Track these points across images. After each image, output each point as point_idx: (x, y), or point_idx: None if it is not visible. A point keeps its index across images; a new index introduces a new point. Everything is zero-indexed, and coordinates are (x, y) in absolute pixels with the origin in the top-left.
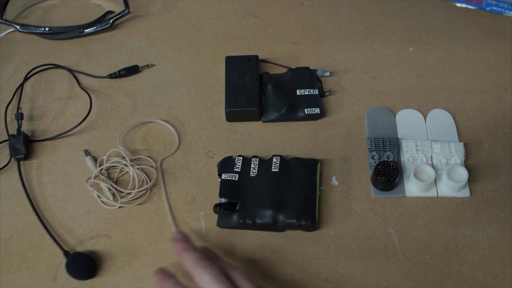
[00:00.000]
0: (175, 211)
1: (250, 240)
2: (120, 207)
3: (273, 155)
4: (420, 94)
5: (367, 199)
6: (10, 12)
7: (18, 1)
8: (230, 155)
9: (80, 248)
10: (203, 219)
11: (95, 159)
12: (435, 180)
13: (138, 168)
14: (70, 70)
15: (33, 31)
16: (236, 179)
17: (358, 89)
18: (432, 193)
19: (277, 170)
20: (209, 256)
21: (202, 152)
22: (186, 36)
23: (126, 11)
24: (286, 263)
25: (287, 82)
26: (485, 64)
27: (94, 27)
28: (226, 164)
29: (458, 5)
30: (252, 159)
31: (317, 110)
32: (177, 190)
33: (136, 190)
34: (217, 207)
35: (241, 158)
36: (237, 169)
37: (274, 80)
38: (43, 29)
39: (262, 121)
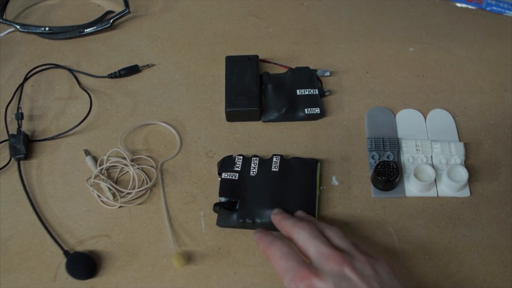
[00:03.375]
0: (175, 211)
1: (250, 240)
2: (120, 207)
3: (273, 155)
4: (420, 94)
5: (367, 199)
6: (10, 12)
7: (18, 1)
8: (231, 154)
9: (80, 248)
10: (203, 219)
11: (95, 159)
12: (435, 180)
13: (138, 168)
14: (70, 70)
15: (33, 31)
16: (236, 178)
17: (358, 89)
18: (432, 193)
19: (277, 169)
20: (306, 219)
21: (202, 152)
22: (186, 36)
23: (126, 11)
24: None
25: (287, 82)
26: (485, 64)
27: (94, 27)
28: (226, 164)
29: (458, 5)
30: (252, 158)
31: (317, 110)
32: (177, 190)
33: (136, 190)
34: (217, 206)
35: (241, 157)
36: (237, 169)
37: (274, 80)
38: (43, 29)
39: (262, 121)
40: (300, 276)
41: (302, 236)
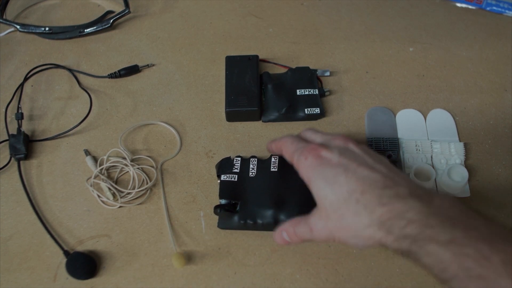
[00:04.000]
0: (175, 211)
1: (250, 240)
2: (120, 207)
3: (272, 155)
4: (420, 94)
5: None
6: (10, 12)
7: (18, 1)
8: (229, 156)
9: (80, 248)
10: (203, 219)
11: (95, 159)
12: (435, 180)
13: (138, 168)
14: (70, 70)
15: (33, 31)
16: (236, 179)
17: (358, 89)
18: None
19: (276, 169)
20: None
21: (202, 152)
22: (186, 36)
23: (126, 11)
24: (286, 263)
25: (287, 82)
26: (485, 64)
27: (94, 27)
28: (224, 165)
29: (458, 5)
30: (251, 159)
31: (317, 110)
32: (177, 190)
33: (136, 190)
34: (218, 209)
35: (239, 158)
36: (236, 170)
37: (274, 80)
38: (43, 29)
39: (262, 121)
40: (308, 149)
41: (309, 132)
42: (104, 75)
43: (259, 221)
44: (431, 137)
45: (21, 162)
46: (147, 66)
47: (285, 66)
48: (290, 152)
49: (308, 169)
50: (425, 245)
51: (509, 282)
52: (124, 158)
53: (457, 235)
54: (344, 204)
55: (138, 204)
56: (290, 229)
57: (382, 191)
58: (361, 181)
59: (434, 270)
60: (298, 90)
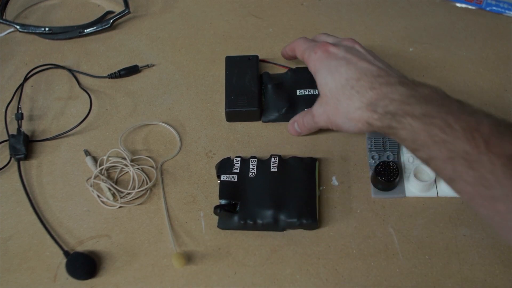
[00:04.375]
0: (175, 211)
1: (250, 240)
2: (120, 207)
3: (271, 155)
4: None
5: (367, 199)
6: (10, 12)
7: (18, 1)
8: (228, 156)
9: (80, 248)
10: (203, 219)
11: (95, 159)
12: (435, 180)
13: (138, 168)
14: (70, 70)
15: (33, 31)
16: (235, 180)
17: None
18: (432, 193)
19: (276, 169)
20: None
21: (202, 152)
22: (186, 36)
23: (126, 11)
24: (286, 263)
25: (287, 82)
26: (485, 64)
27: (94, 27)
28: (224, 166)
29: (458, 5)
30: (251, 159)
31: None
32: (177, 190)
33: (136, 190)
34: (217, 209)
35: (239, 159)
36: (236, 170)
37: (274, 80)
38: (43, 29)
39: (262, 121)
40: (318, 45)
41: (323, 35)
42: (104, 75)
43: (259, 221)
44: None
45: (21, 162)
46: (147, 66)
47: (285, 66)
48: (302, 50)
49: (316, 62)
50: (402, 119)
51: (466, 143)
52: (124, 158)
53: (429, 110)
54: (341, 89)
55: (138, 204)
56: (300, 120)
57: (375, 79)
58: (359, 71)
59: (407, 141)
60: (298, 90)
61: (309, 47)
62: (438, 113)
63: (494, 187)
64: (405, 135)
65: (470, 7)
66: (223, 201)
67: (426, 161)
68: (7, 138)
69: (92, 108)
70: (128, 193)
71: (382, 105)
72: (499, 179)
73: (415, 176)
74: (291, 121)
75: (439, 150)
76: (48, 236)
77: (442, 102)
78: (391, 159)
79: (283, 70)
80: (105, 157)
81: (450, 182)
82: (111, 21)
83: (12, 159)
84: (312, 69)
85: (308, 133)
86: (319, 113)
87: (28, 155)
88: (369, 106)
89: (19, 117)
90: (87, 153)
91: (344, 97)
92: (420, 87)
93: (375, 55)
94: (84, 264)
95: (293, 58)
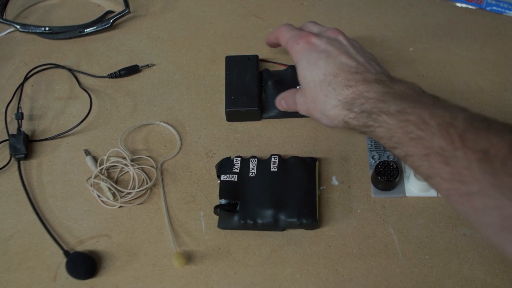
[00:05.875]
0: (175, 211)
1: (250, 240)
2: (120, 207)
3: (272, 155)
4: None
5: (367, 199)
6: (10, 12)
7: (18, 1)
8: (229, 156)
9: (80, 248)
10: (203, 219)
11: (95, 159)
12: None
13: (138, 168)
14: (70, 70)
15: (33, 31)
16: (236, 180)
17: None
18: (432, 193)
19: (276, 169)
20: None
21: (202, 152)
22: (186, 36)
23: (126, 11)
24: (286, 263)
25: (288, 79)
26: (485, 64)
27: (94, 27)
28: (224, 165)
29: (458, 5)
30: (251, 159)
31: None
32: (177, 190)
33: (136, 190)
34: (217, 209)
35: (239, 158)
36: (236, 170)
37: (275, 77)
38: (43, 29)
39: (263, 118)
40: (301, 36)
41: (310, 24)
42: (104, 75)
43: (259, 221)
44: None
45: (21, 162)
46: (147, 66)
47: (285, 65)
48: (286, 39)
49: (298, 53)
50: (378, 117)
51: (442, 140)
52: (124, 158)
53: (404, 106)
54: (319, 85)
55: (138, 204)
56: (286, 99)
57: (352, 75)
58: (337, 66)
59: (384, 139)
60: (298, 87)
61: (293, 36)
62: (413, 109)
63: (470, 183)
64: (381, 133)
65: (470, 7)
66: (223, 201)
67: (404, 159)
68: (7, 137)
69: (92, 108)
70: (128, 193)
71: (358, 103)
72: (474, 174)
73: (415, 176)
74: (279, 97)
75: (415, 147)
76: (48, 236)
77: (417, 98)
78: (391, 159)
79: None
80: (105, 157)
81: (427, 179)
82: (111, 21)
83: (12, 159)
84: (294, 59)
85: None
86: (300, 102)
87: (28, 155)
88: (345, 104)
89: (19, 116)
90: (87, 152)
91: (321, 94)
92: (396, 84)
93: (358, 47)
94: (84, 264)
95: (277, 46)
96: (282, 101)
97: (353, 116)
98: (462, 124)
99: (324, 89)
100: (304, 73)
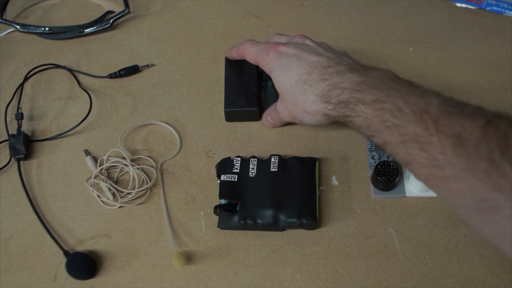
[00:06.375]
0: (175, 211)
1: (250, 240)
2: (120, 207)
3: (271, 155)
4: None
5: (367, 199)
6: (10, 12)
7: (18, 1)
8: (228, 156)
9: (80, 248)
10: (203, 219)
11: (95, 159)
12: None
13: (138, 168)
14: (70, 70)
15: (33, 31)
16: (235, 180)
17: None
18: (432, 193)
19: (276, 169)
20: None
21: (202, 152)
22: (186, 36)
23: (126, 11)
24: (286, 263)
25: None
26: (485, 64)
27: (94, 27)
28: (224, 165)
29: (458, 5)
30: (251, 159)
31: None
32: (177, 190)
33: (136, 190)
34: (217, 209)
35: (239, 158)
36: (236, 170)
37: None
38: (43, 29)
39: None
40: (269, 47)
41: (276, 36)
42: (104, 75)
43: (259, 221)
44: None
45: (21, 162)
46: (147, 66)
47: None
48: (253, 54)
49: (269, 63)
50: (355, 107)
51: (417, 126)
52: (124, 158)
53: (379, 95)
54: (295, 86)
55: (138, 204)
56: (271, 113)
57: (325, 70)
58: (309, 64)
59: (363, 128)
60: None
61: (260, 49)
62: (388, 97)
63: (445, 167)
64: (359, 122)
65: (470, 7)
66: (223, 201)
67: (382, 146)
68: (7, 138)
69: (92, 108)
70: (128, 193)
71: (334, 95)
72: (449, 159)
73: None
74: (265, 114)
75: (391, 134)
76: (48, 236)
77: (392, 86)
78: (391, 159)
79: None
80: (105, 157)
81: (406, 165)
82: (111, 21)
83: (12, 159)
84: (267, 71)
85: (280, 125)
86: (281, 110)
87: (28, 155)
88: (323, 97)
89: (19, 117)
90: (87, 153)
91: (299, 93)
92: (370, 72)
93: (326, 47)
94: (84, 264)
95: (241, 58)
96: (268, 117)
97: (331, 108)
98: (436, 110)
99: (301, 88)
100: (280, 79)
